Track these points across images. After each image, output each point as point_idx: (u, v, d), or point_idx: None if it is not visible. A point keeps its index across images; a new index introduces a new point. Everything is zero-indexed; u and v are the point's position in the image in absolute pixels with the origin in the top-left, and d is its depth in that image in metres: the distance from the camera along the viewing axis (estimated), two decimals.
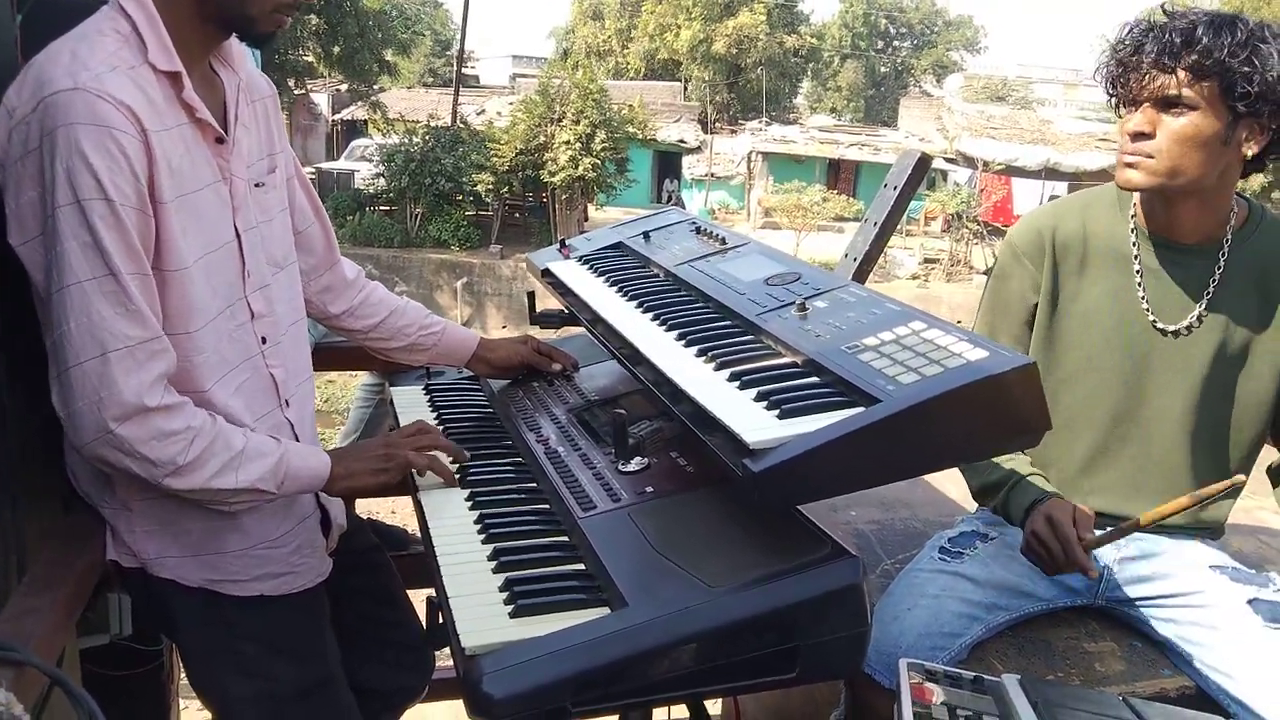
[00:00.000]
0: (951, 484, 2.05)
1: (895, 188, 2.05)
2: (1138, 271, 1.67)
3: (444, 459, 1.51)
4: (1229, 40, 1.45)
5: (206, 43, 1.35)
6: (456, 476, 1.51)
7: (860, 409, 1.14)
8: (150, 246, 1.23)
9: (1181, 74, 1.48)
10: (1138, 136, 1.54)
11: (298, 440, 1.50)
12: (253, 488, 1.33)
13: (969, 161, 20.26)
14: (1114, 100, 1.61)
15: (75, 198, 1.15)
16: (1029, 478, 1.68)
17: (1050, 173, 19.23)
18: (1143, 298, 1.67)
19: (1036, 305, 1.74)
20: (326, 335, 2.43)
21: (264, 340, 1.45)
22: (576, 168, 18.47)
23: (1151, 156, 1.53)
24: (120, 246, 1.18)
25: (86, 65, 1.17)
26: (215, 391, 1.35)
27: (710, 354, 1.40)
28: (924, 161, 2.07)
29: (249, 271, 1.42)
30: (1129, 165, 1.56)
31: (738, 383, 1.29)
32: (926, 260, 20.24)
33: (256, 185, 1.46)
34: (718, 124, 30.08)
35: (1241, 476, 1.54)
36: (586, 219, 20.27)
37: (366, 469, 1.47)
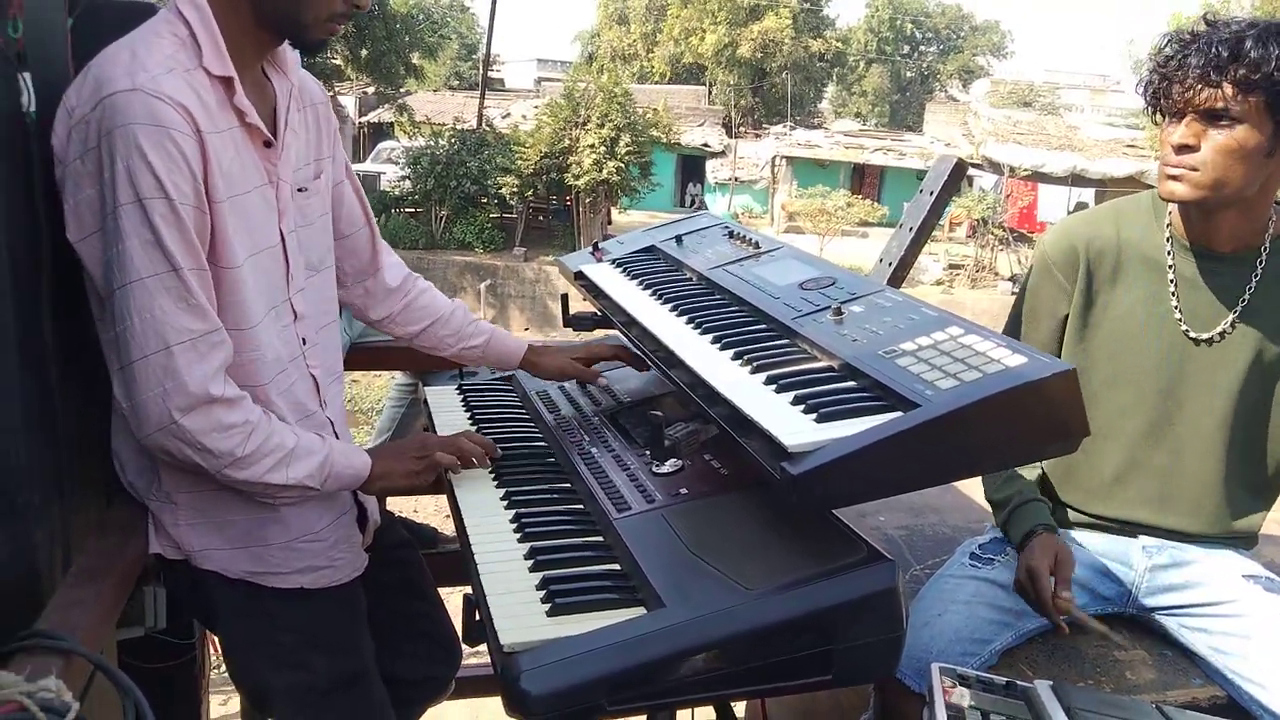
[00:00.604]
0: (979, 491, 2.05)
1: (931, 193, 2.04)
2: (1172, 280, 1.67)
3: (472, 447, 1.54)
4: (1276, 53, 1.44)
5: (259, 48, 1.37)
6: (489, 467, 1.55)
7: (899, 414, 1.14)
8: (206, 243, 1.27)
9: (1228, 88, 1.47)
10: (1182, 149, 1.53)
11: (337, 438, 1.53)
12: (300, 484, 1.37)
13: (995, 167, 20.12)
14: (1154, 110, 1.60)
15: (136, 196, 1.19)
16: (1028, 504, 1.69)
17: (1077, 179, 19.08)
18: (1176, 307, 1.66)
19: (1067, 316, 1.74)
20: (363, 334, 2.46)
21: (304, 341, 1.49)
22: (600, 171, 18.51)
23: (1196, 169, 1.52)
24: (180, 243, 1.22)
25: (145, 66, 1.20)
26: (270, 389, 1.39)
27: (746, 358, 1.40)
28: (960, 167, 2.06)
29: (292, 274, 1.46)
30: (1173, 178, 1.55)
31: (774, 386, 1.29)
32: (951, 266, 20.11)
33: (299, 190, 1.49)
34: (742, 128, 30.05)
35: None
36: (610, 222, 20.30)
37: (401, 469, 1.51)
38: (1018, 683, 1.33)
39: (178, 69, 1.24)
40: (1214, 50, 1.47)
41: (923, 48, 47.82)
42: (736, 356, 1.43)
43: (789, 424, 1.18)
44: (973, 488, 2.32)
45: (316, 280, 1.55)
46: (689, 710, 2.76)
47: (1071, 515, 1.81)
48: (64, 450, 1.34)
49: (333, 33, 1.37)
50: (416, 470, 1.51)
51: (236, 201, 1.32)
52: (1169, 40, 1.56)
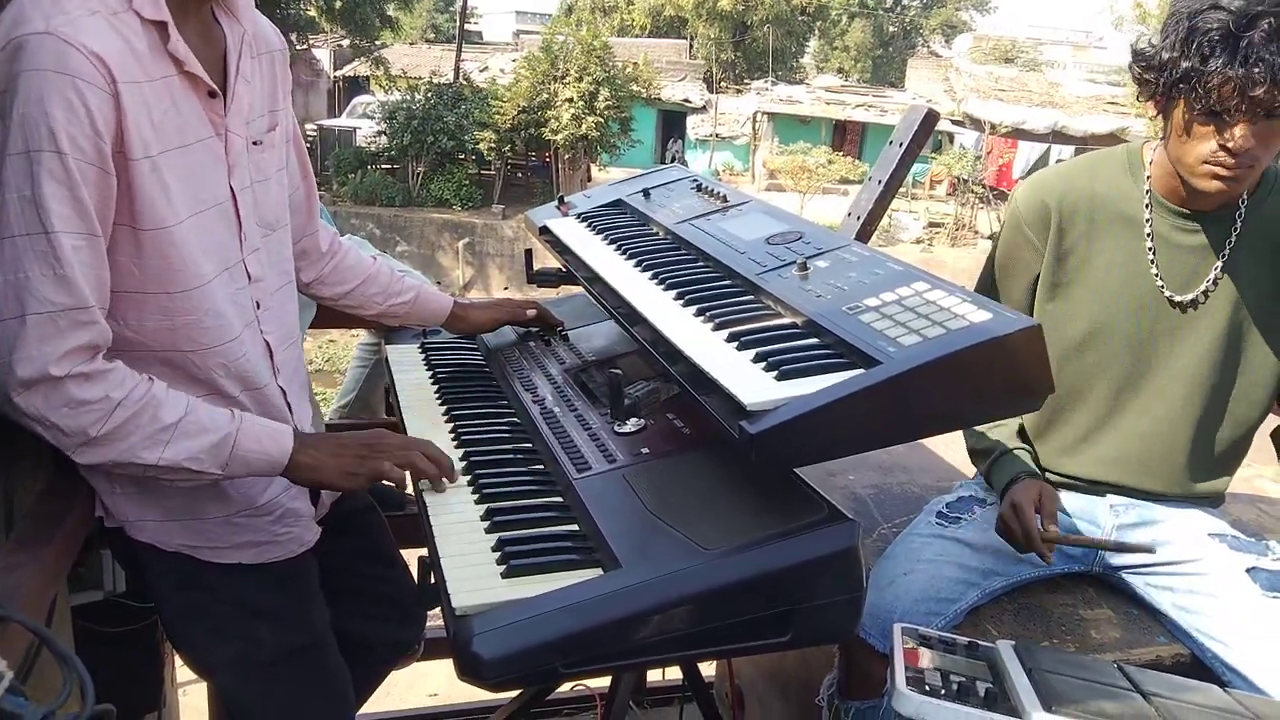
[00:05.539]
0: (950, 449, 2.04)
1: (901, 144, 2.00)
2: (1149, 240, 1.64)
3: (426, 465, 1.35)
4: None
5: None
6: (443, 488, 1.37)
7: (860, 371, 1.12)
8: (110, 206, 1.17)
9: None
10: (1246, 152, 1.44)
11: (290, 408, 1.46)
12: (181, 466, 1.22)
13: (976, 124, 20.03)
14: (1163, 97, 1.51)
15: (26, 147, 1.09)
16: (1011, 453, 1.68)
17: (1058, 136, 19.00)
18: (1154, 271, 1.64)
19: (1039, 275, 1.72)
20: None
21: (258, 305, 1.40)
22: (580, 126, 18.31)
23: (1252, 167, 1.47)
24: (64, 205, 1.11)
25: (64, 8, 1.12)
26: (216, 356, 1.31)
27: (709, 314, 1.37)
28: (931, 117, 2.01)
29: (245, 234, 1.37)
30: (1227, 178, 1.47)
31: (736, 343, 1.27)
32: (931, 224, 20.09)
33: (254, 143, 1.40)
34: (723, 83, 29.78)
35: (1155, 549, 1.61)
36: (589, 179, 20.12)
37: (336, 466, 1.33)
38: (979, 642, 1.32)
39: (102, 11, 1.15)
40: None
41: (906, 2, 47.30)
42: (699, 313, 1.40)
43: (748, 382, 1.15)
44: (942, 447, 2.32)
45: (272, 240, 1.46)
46: (660, 670, 2.77)
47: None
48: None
49: None
50: (353, 472, 1.33)
51: (172, 156, 1.23)
52: (1208, 35, 1.41)
